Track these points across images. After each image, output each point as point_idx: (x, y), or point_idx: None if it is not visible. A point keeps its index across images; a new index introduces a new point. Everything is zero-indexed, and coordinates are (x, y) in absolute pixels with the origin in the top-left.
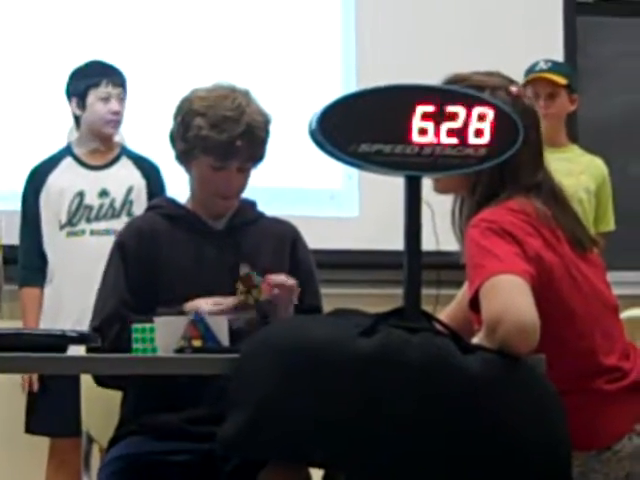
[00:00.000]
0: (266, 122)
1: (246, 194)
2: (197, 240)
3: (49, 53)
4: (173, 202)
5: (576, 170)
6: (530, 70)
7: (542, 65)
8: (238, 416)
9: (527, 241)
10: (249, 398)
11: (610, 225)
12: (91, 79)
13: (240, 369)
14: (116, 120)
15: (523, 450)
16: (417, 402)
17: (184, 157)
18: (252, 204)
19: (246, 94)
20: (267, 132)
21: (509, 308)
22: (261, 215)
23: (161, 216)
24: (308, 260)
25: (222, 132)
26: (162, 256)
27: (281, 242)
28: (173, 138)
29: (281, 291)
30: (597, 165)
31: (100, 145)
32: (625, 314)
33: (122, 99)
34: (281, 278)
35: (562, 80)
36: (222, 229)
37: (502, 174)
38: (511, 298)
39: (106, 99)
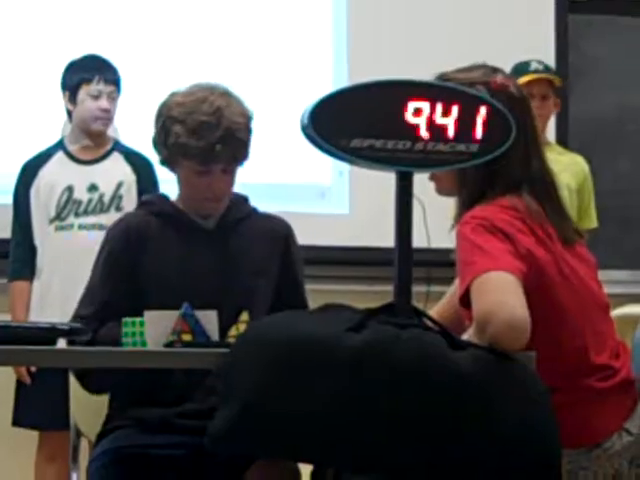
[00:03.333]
0: (247, 121)
1: (238, 190)
2: (187, 239)
3: (44, 48)
4: (165, 199)
5: (556, 169)
6: (521, 70)
7: (537, 65)
8: (227, 412)
9: (518, 238)
10: (238, 394)
11: (593, 222)
12: (84, 74)
13: (229, 364)
14: (106, 118)
15: (512, 446)
16: (406, 398)
17: (168, 162)
18: (244, 199)
19: (225, 93)
20: (249, 131)
21: (500, 305)
22: (253, 211)
23: (152, 214)
24: (299, 259)
25: (200, 139)
26: (150, 256)
27: (273, 240)
28: (156, 144)
29: None
30: (578, 163)
31: (89, 142)
32: (616, 312)
33: (114, 97)
34: None
35: (558, 82)
36: (212, 228)
37: (492, 169)
38: (502, 295)
39: (97, 96)
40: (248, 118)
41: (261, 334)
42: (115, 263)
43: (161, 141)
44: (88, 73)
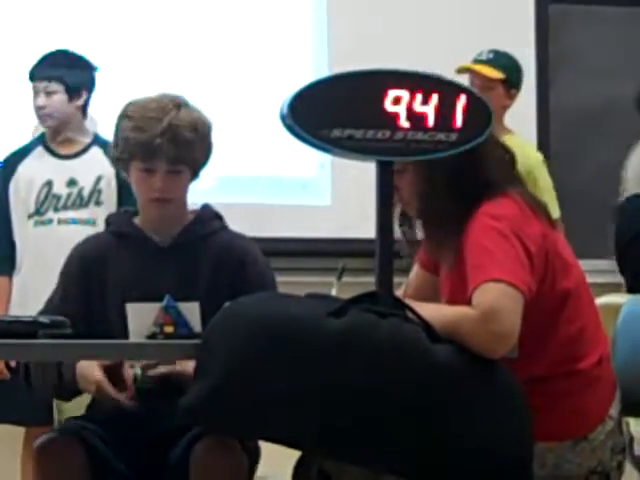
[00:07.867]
0: (194, 125)
1: (220, 182)
2: (141, 257)
3: (23, 43)
4: (127, 215)
5: None
6: (473, 59)
7: (482, 56)
8: (202, 385)
9: (532, 232)
10: (215, 368)
11: (555, 212)
12: (30, 72)
13: (209, 339)
14: (45, 114)
15: (484, 438)
16: (383, 384)
17: (122, 166)
18: (215, 216)
19: (179, 101)
20: (197, 133)
21: (513, 326)
22: (217, 230)
23: (110, 234)
24: (257, 282)
25: (143, 132)
26: (108, 274)
27: (226, 263)
28: (114, 156)
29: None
30: (527, 155)
31: (63, 136)
32: (598, 301)
33: (50, 92)
34: (161, 371)
35: (496, 74)
36: (167, 246)
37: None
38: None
39: (36, 93)
40: (198, 123)
41: (243, 311)
42: (72, 285)
43: (114, 142)
44: (31, 71)
